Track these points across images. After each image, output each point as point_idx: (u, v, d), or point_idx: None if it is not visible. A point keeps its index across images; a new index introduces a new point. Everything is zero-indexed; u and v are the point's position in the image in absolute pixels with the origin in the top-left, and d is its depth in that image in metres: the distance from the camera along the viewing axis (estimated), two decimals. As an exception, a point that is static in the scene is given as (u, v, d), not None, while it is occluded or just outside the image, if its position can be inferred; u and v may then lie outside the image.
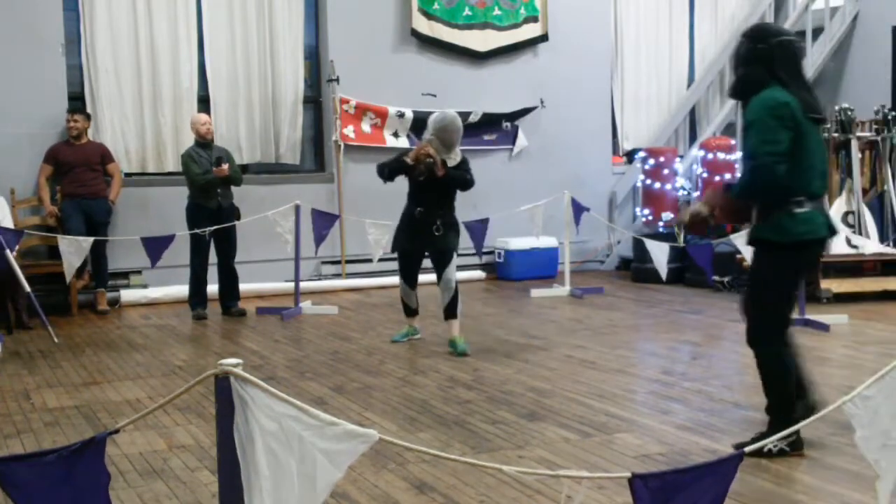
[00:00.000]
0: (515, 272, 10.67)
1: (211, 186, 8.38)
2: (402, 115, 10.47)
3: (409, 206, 6.91)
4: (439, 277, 6.89)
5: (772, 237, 4.22)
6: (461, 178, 6.75)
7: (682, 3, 12.54)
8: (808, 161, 4.18)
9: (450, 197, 6.87)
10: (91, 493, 2.33)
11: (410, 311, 7.20)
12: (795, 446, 4.30)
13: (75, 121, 8.86)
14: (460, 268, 10.51)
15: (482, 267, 10.73)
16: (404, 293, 7.11)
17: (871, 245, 7.88)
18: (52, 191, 8.91)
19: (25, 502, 2.25)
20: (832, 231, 4.36)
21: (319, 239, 8.74)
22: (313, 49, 10.56)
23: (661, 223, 10.67)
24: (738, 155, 4.30)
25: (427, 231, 6.79)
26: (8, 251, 7.41)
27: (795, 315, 7.56)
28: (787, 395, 4.33)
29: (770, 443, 3.90)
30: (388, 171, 6.82)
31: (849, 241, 8.30)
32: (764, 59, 4.26)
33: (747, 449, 2.68)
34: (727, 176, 10.40)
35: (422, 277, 7.16)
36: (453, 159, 6.82)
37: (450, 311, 6.90)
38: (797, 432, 4.21)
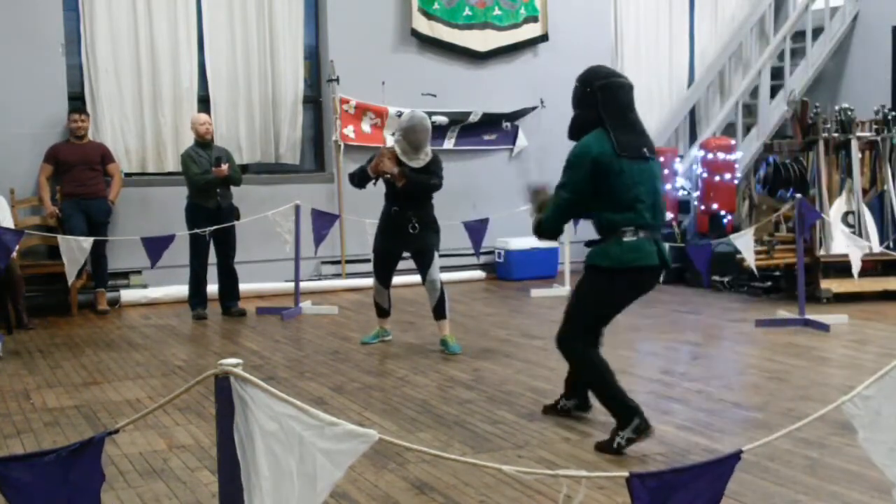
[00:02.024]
0: (515, 272, 10.68)
1: (210, 186, 8.38)
2: (401, 115, 10.44)
3: (386, 206, 6.94)
4: (424, 279, 6.89)
5: (599, 262, 4.55)
6: (422, 184, 6.72)
7: (682, 3, 12.54)
8: (629, 195, 4.46)
9: (424, 195, 6.83)
10: (87, 494, 2.34)
11: (383, 312, 7.17)
12: (640, 430, 4.45)
13: (82, 120, 8.89)
14: (460, 268, 10.63)
15: (482, 267, 10.74)
16: (377, 293, 7.09)
17: (856, 252, 7.86)
18: (52, 191, 8.91)
19: (24, 502, 2.25)
20: (664, 262, 4.59)
21: (319, 239, 8.74)
22: (313, 49, 10.56)
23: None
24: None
25: (404, 230, 6.78)
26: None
27: (795, 315, 7.62)
28: (606, 383, 4.59)
29: (621, 438, 4.44)
30: (356, 180, 6.89)
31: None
32: (590, 102, 4.56)
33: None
34: (727, 176, 10.39)
35: (410, 279, 7.17)
36: (422, 160, 6.77)
37: (438, 312, 6.91)
38: (638, 415, 4.47)
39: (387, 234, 6.89)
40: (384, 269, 6.99)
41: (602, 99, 4.53)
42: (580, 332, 4.69)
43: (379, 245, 6.99)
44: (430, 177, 6.74)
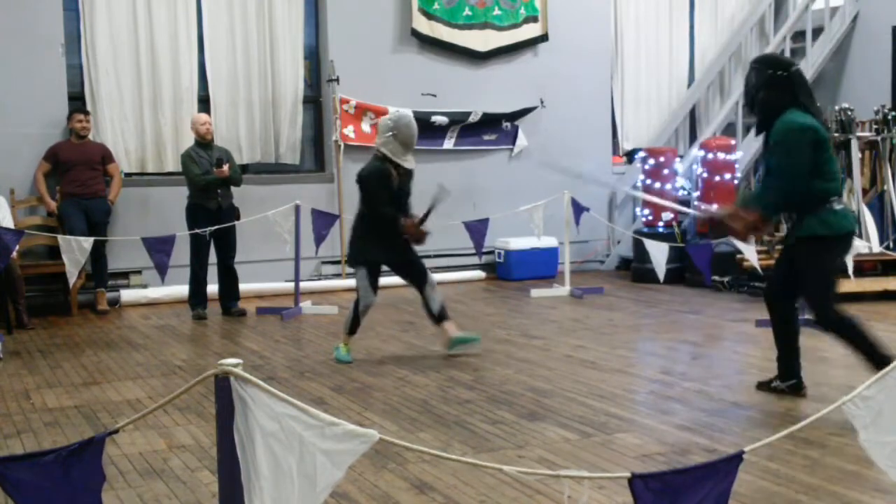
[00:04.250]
0: (515, 272, 10.67)
1: (211, 187, 8.38)
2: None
3: (374, 221, 6.57)
4: (424, 283, 6.65)
5: (821, 231, 4.95)
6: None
7: (682, 3, 12.54)
8: (832, 168, 5.00)
9: (408, 211, 6.66)
10: (86, 494, 2.33)
11: (357, 328, 6.71)
12: (796, 388, 5.31)
13: (87, 121, 8.89)
14: (460, 268, 10.64)
15: (482, 267, 10.73)
16: (369, 306, 6.65)
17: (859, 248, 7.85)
18: (51, 190, 8.91)
19: (24, 502, 2.25)
20: (856, 226, 5.19)
21: (319, 239, 8.74)
22: (313, 49, 10.56)
23: (661, 223, 10.67)
24: (760, 169, 5.40)
25: (396, 243, 6.57)
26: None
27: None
28: (869, 343, 4.95)
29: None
30: (390, 222, 6.52)
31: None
32: (783, 85, 5.01)
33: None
34: (727, 176, 10.39)
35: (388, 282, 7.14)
36: (411, 161, 6.55)
37: (444, 313, 6.67)
38: (799, 376, 5.32)
39: (382, 246, 6.59)
40: (376, 280, 6.71)
41: (798, 82, 5.03)
42: (832, 303, 5.04)
43: (374, 256, 6.63)
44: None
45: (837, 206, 4.98)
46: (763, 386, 5.47)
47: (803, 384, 5.37)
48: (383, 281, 10.22)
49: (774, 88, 5.02)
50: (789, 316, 5.33)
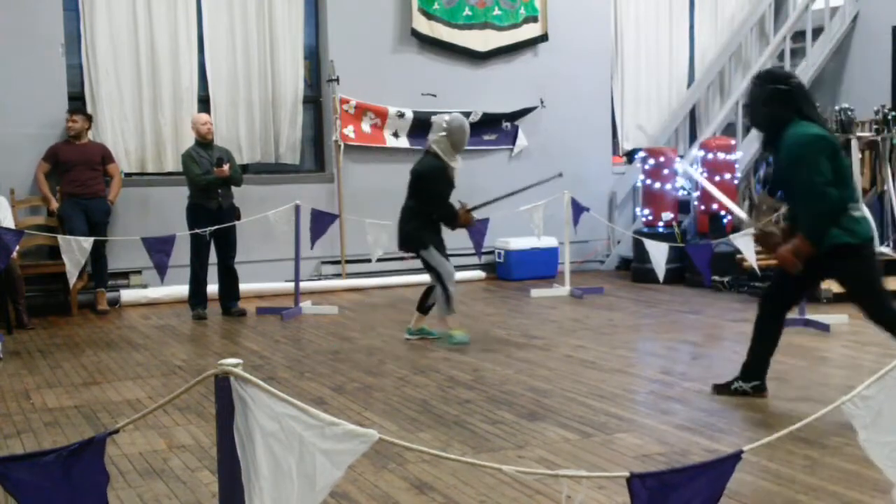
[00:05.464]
0: (515, 272, 10.67)
1: (212, 187, 8.38)
2: (402, 115, 10.48)
3: (429, 214, 7.13)
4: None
5: (846, 239, 4.86)
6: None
7: (682, 3, 12.54)
8: (847, 175, 4.96)
9: None
10: (90, 493, 2.34)
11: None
12: (759, 390, 5.30)
13: (73, 121, 8.87)
14: (460, 268, 10.60)
15: (482, 267, 10.73)
16: (452, 275, 7.09)
17: None
18: (51, 190, 8.91)
19: (25, 502, 2.25)
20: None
21: (316, 237, 8.74)
22: (313, 49, 10.56)
23: (661, 223, 10.67)
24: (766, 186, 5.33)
25: (440, 234, 7.23)
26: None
27: (795, 315, 7.61)
28: None
29: None
30: (449, 216, 7.16)
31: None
32: (786, 98, 4.97)
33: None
34: (727, 176, 10.38)
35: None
36: (458, 163, 7.11)
37: (430, 309, 7.31)
38: (763, 378, 5.30)
39: (436, 235, 7.16)
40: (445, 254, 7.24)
41: (800, 95, 5.02)
42: (888, 303, 4.99)
43: (435, 239, 7.12)
44: None
45: (856, 213, 4.92)
46: (722, 389, 5.39)
47: (766, 387, 5.33)
48: (384, 281, 10.36)
49: (777, 102, 4.98)
50: (778, 321, 5.28)
